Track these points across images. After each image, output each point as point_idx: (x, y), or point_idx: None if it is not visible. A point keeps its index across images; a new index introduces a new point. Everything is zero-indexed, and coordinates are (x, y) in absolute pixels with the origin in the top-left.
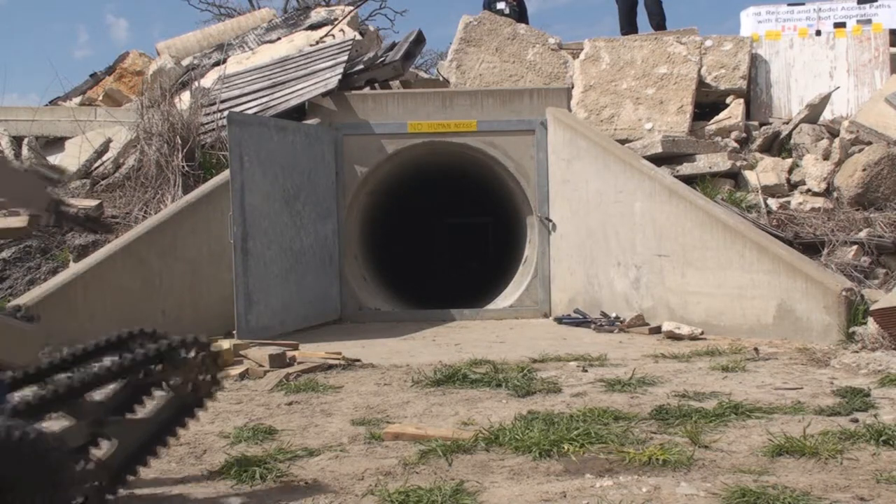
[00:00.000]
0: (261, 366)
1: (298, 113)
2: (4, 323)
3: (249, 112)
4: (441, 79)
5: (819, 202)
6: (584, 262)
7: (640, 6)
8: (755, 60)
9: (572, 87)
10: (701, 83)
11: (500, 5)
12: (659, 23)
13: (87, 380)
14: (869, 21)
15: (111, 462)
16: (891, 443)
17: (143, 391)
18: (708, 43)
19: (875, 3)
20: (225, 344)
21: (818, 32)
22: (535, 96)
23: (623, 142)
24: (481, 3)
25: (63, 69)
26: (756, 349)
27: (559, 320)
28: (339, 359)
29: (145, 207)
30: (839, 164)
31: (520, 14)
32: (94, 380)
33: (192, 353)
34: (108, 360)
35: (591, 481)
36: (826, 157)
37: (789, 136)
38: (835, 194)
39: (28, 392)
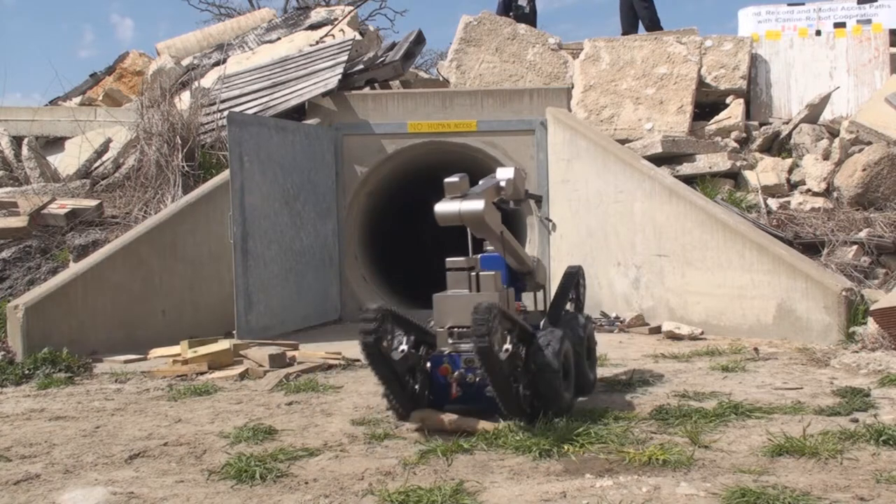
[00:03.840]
0: (261, 366)
1: (298, 113)
2: (540, 261)
3: (249, 112)
4: (441, 79)
5: (819, 202)
6: (584, 262)
7: None
8: (755, 60)
9: (572, 87)
10: (701, 83)
11: (522, 1)
12: (648, 25)
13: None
14: (869, 21)
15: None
16: (891, 443)
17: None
18: (708, 43)
19: (875, 3)
20: (224, 344)
21: (818, 32)
22: (535, 96)
23: (623, 142)
24: (496, 3)
25: (68, 69)
26: (756, 349)
27: None
28: (339, 359)
29: (145, 207)
30: (839, 164)
31: (535, 14)
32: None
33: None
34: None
35: (591, 481)
36: (826, 157)
37: (789, 136)
38: (835, 194)
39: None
